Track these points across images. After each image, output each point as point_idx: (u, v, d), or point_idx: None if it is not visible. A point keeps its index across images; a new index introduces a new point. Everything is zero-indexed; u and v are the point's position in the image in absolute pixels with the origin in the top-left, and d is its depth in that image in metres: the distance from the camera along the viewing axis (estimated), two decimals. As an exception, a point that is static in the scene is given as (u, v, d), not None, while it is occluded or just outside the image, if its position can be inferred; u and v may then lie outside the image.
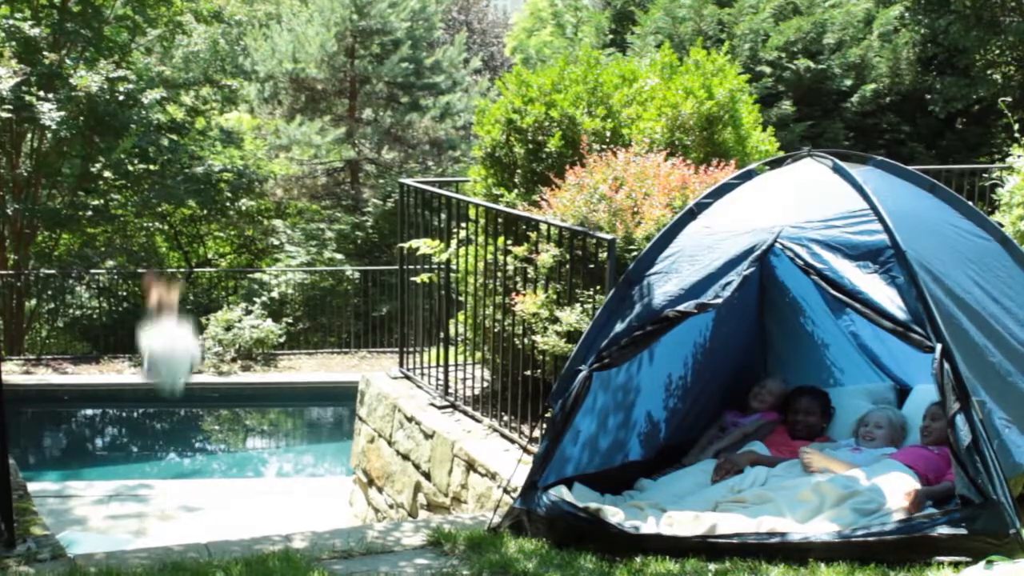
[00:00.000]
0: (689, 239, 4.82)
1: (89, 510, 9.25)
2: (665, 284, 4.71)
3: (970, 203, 5.22)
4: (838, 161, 4.82)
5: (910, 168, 5.31)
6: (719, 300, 4.56)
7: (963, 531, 3.92)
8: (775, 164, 5.29)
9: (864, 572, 3.95)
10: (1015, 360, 4.53)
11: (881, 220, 4.39)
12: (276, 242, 18.83)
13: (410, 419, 7.23)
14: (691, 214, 4.94)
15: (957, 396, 4.00)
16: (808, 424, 5.28)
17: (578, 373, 4.70)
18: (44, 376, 13.02)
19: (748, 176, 5.09)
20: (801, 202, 4.72)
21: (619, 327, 4.72)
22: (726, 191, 5.00)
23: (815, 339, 5.81)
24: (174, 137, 17.17)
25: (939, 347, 4.06)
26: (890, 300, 4.24)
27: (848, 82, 14.67)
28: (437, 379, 7.53)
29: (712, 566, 4.12)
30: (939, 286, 4.35)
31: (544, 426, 4.95)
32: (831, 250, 4.42)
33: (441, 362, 7.50)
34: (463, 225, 7.08)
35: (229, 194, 17.47)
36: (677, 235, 4.88)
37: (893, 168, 5.18)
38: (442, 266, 7.33)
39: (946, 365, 4.03)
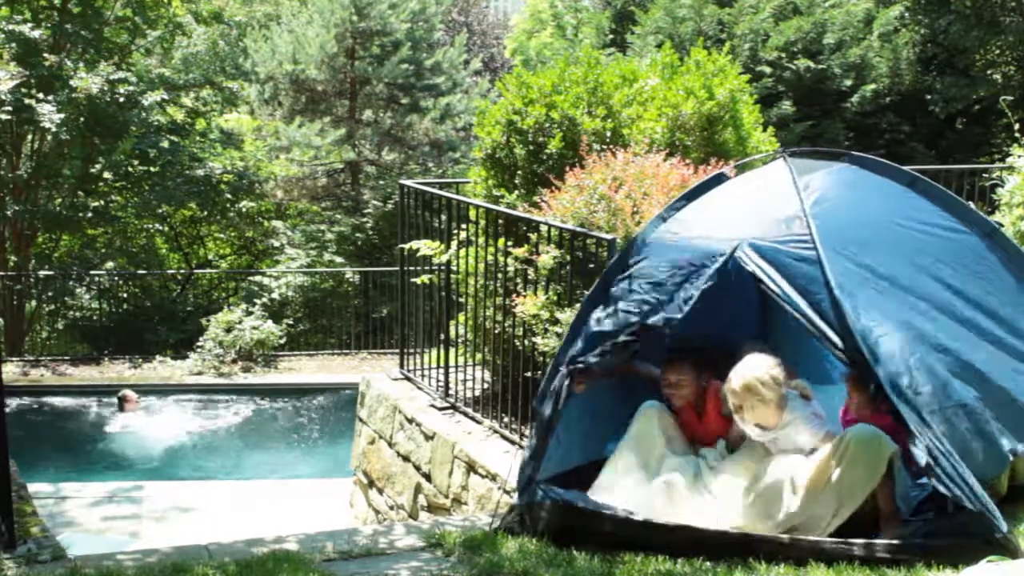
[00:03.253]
0: (657, 246, 4.85)
1: (84, 512, 9.24)
2: (635, 292, 4.76)
3: (953, 195, 5.15)
4: (798, 171, 4.80)
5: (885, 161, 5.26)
6: (680, 315, 4.59)
7: (954, 540, 3.96)
8: (794, 153, 5.25)
9: (862, 572, 3.95)
10: (993, 355, 4.53)
11: (816, 249, 4.43)
12: (276, 243, 18.83)
13: (410, 420, 7.23)
14: (661, 219, 4.96)
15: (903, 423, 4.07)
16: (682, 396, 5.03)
17: (559, 372, 4.76)
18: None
19: (718, 180, 5.07)
20: (759, 216, 4.73)
21: (595, 329, 4.77)
22: (696, 195, 5.00)
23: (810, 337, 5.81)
24: (174, 139, 17.18)
25: (873, 383, 4.16)
26: (830, 329, 4.30)
27: (848, 82, 14.68)
28: (437, 380, 7.52)
29: (710, 565, 4.12)
30: (893, 299, 4.39)
31: (534, 425, 4.95)
32: (777, 271, 4.46)
33: (441, 363, 7.49)
34: (463, 226, 7.07)
35: (229, 196, 17.49)
36: (648, 240, 4.91)
37: (868, 163, 5.11)
38: (442, 267, 7.32)
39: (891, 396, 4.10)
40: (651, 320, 4.63)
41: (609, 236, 5.62)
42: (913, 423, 4.05)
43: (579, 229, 5.87)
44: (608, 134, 7.03)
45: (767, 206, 4.77)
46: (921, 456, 3.99)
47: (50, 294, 16.15)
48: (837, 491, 4.27)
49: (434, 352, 7.82)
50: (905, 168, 5.20)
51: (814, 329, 4.34)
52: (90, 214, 16.27)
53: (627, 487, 4.70)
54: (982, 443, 4.27)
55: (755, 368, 4.52)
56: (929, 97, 14.69)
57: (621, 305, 4.76)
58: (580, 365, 4.73)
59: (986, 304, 4.67)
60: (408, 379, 7.97)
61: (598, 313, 4.82)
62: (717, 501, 4.56)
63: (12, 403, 11.92)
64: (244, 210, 18.56)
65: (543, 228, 6.13)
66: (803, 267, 4.43)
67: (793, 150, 5.13)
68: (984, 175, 9.24)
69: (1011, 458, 4.37)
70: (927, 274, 4.63)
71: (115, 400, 12.31)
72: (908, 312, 4.44)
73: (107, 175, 16.69)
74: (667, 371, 5.00)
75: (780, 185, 4.82)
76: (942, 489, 3.96)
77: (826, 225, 4.53)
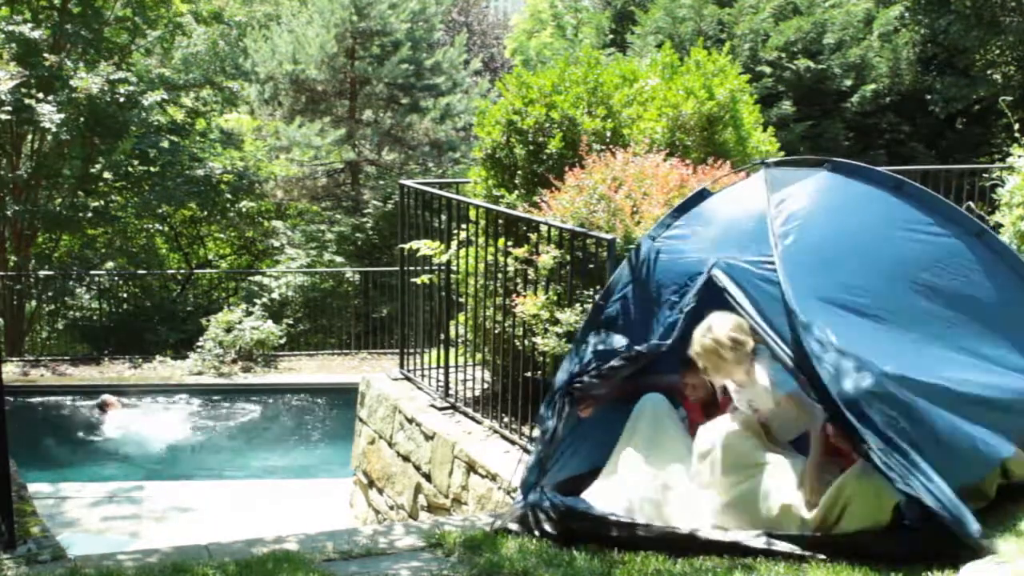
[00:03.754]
0: (647, 266, 4.89)
1: (84, 512, 9.23)
2: (625, 314, 4.88)
3: (939, 196, 5.12)
4: (771, 190, 4.78)
5: (869, 166, 5.17)
6: (668, 341, 4.69)
7: (929, 542, 3.98)
8: (775, 163, 5.25)
9: (861, 571, 3.95)
10: (976, 358, 4.51)
11: (779, 272, 4.44)
12: (276, 243, 18.83)
13: (410, 420, 7.23)
14: (651, 239, 4.98)
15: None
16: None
17: (564, 383, 4.84)
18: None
19: (701, 197, 5.05)
20: (735, 234, 4.75)
21: (591, 351, 4.85)
22: (682, 213, 5.01)
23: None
24: (174, 139, 17.18)
25: (820, 409, 4.24)
26: (786, 354, 4.33)
27: (848, 82, 14.68)
28: (437, 380, 7.52)
29: (710, 564, 4.12)
30: (863, 316, 4.40)
31: (539, 429, 4.97)
32: (745, 293, 4.50)
33: (441, 363, 7.49)
34: (463, 226, 7.08)
35: (229, 195, 17.49)
36: (638, 261, 4.94)
37: (850, 170, 5.04)
38: (442, 267, 7.32)
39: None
40: (640, 347, 4.73)
41: (609, 236, 5.62)
42: (873, 442, 4.02)
43: (579, 229, 5.87)
44: (608, 134, 7.03)
45: (741, 224, 4.80)
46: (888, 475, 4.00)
47: (50, 294, 16.15)
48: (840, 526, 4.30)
49: (434, 352, 7.82)
50: (889, 172, 5.14)
51: (777, 351, 4.36)
52: (90, 214, 16.27)
53: (632, 480, 4.69)
54: (964, 447, 4.24)
55: (714, 331, 4.54)
56: (929, 97, 14.69)
57: (614, 329, 4.87)
58: (578, 385, 4.80)
59: (970, 307, 4.64)
60: (408, 379, 7.97)
61: (593, 337, 4.91)
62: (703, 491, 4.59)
63: (11, 403, 11.91)
64: (244, 210, 18.56)
65: (543, 228, 6.13)
66: (768, 288, 4.46)
67: (776, 160, 5.13)
68: (984, 175, 9.23)
69: (997, 461, 4.35)
70: (907, 282, 4.60)
71: (97, 406, 12.31)
72: (880, 327, 4.42)
73: (107, 175, 16.69)
74: (688, 375, 5.06)
75: (754, 202, 4.82)
76: (910, 492, 3.96)
77: (795, 244, 4.54)
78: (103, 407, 12.21)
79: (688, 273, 4.73)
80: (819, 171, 5.02)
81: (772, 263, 4.49)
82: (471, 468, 6.29)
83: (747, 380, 4.59)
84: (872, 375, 4.15)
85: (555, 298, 5.98)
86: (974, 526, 3.90)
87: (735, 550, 4.22)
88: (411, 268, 7.72)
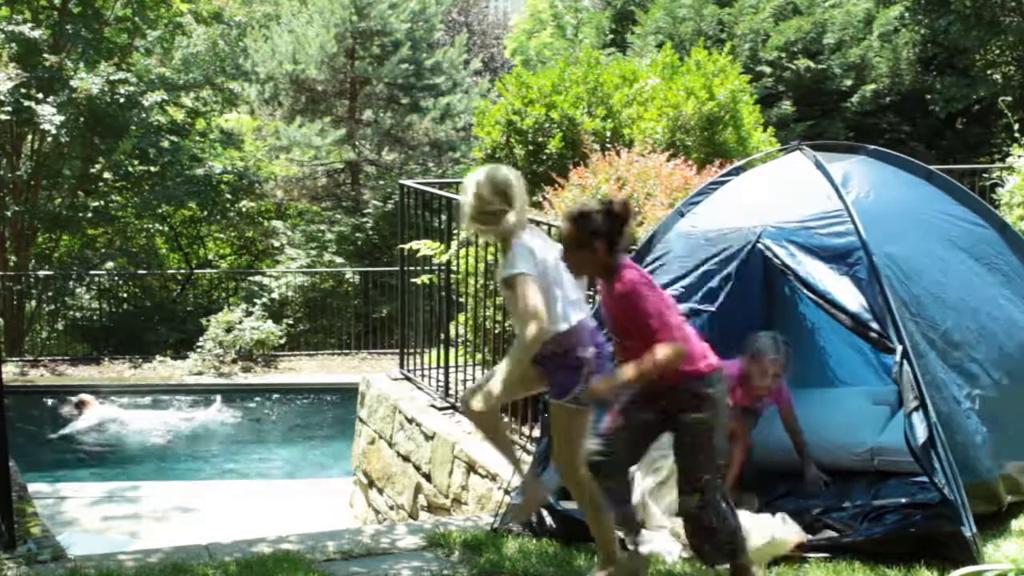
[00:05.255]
0: (677, 240, 4.82)
1: (84, 512, 9.22)
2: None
3: (967, 190, 5.17)
4: (820, 158, 4.78)
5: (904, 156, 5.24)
6: (710, 308, 4.56)
7: (922, 529, 3.96)
8: (811, 145, 5.23)
9: (863, 571, 3.95)
10: (999, 351, 4.51)
11: (852, 221, 4.38)
12: (276, 243, 18.83)
13: (410, 420, 7.22)
14: (679, 214, 4.94)
15: (916, 395, 4.01)
16: None
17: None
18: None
19: (736, 173, 5.07)
20: (782, 201, 4.70)
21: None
22: (714, 188, 4.98)
23: (817, 337, 5.79)
24: (174, 139, 17.18)
25: (900, 348, 4.07)
26: (856, 302, 4.24)
27: (848, 82, 14.68)
28: (438, 380, 7.52)
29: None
30: (915, 283, 4.35)
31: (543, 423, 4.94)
32: (806, 251, 4.42)
33: (441, 363, 7.49)
34: (463, 226, 7.07)
35: (229, 195, 17.49)
36: (666, 235, 4.88)
37: (886, 157, 5.11)
38: (442, 267, 7.32)
39: (906, 366, 4.03)
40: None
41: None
42: (927, 398, 4.01)
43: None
44: (608, 134, 7.03)
45: (791, 192, 4.74)
46: (922, 433, 3.95)
47: (50, 294, 16.15)
48: None
49: (434, 352, 7.82)
50: (920, 163, 5.21)
51: (836, 308, 4.26)
52: (90, 214, 16.27)
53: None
54: (981, 439, 4.26)
55: (468, 188, 3.95)
56: (929, 97, 14.69)
57: None
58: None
59: (1002, 294, 4.67)
60: (408, 379, 7.96)
61: None
62: None
63: (9, 403, 11.89)
64: (244, 210, 18.57)
65: (543, 228, 6.12)
66: (835, 241, 4.37)
67: (811, 143, 5.10)
68: (984, 175, 9.23)
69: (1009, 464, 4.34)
70: (955, 261, 4.62)
71: (74, 404, 12.28)
72: (934, 296, 4.42)
73: (107, 175, 16.69)
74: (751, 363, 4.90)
75: (803, 171, 4.79)
76: (934, 476, 3.92)
77: (859, 201, 4.49)
78: (80, 405, 12.20)
79: (724, 242, 4.64)
80: (856, 156, 5.06)
81: (838, 216, 4.41)
82: (471, 468, 6.28)
83: (506, 251, 3.94)
84: (940, 340, 4.23)
85: (555, 298, 5.96)
86: (972, 526, 3.89)
87: None
88: (411, 268, 7.72)
